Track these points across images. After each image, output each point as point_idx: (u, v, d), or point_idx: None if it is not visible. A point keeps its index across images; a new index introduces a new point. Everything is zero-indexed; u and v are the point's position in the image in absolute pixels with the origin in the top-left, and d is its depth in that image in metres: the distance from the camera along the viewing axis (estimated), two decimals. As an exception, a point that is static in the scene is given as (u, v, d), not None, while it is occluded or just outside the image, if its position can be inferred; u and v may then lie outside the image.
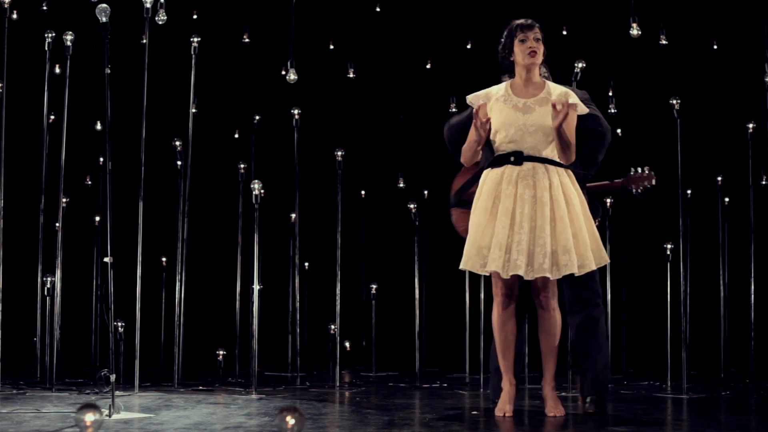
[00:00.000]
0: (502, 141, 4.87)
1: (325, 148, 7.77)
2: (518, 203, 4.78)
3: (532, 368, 6.60)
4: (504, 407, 4.87)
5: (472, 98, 5.01)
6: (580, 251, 4.77)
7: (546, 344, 4.88)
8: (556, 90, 4.92)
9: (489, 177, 4.90)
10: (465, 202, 5.25)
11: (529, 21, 4.94)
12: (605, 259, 4.89)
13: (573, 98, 4.88)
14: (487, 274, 4.85)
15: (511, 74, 5.03)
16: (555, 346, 4.87)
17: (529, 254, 4.72)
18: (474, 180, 5.11)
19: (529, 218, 4.75)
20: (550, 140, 4.83)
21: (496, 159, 4.90)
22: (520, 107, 4.88)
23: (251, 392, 6.05)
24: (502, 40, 4.99)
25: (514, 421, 4.73)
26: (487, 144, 4.98)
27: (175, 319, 6.73)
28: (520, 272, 4.72)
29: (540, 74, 5.00)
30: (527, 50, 4.89)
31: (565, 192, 4.83)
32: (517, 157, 4.84)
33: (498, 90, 4.97)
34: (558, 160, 4.86)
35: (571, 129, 4.86)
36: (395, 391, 6.32)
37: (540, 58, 4.92)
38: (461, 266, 4.86)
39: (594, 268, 4.83)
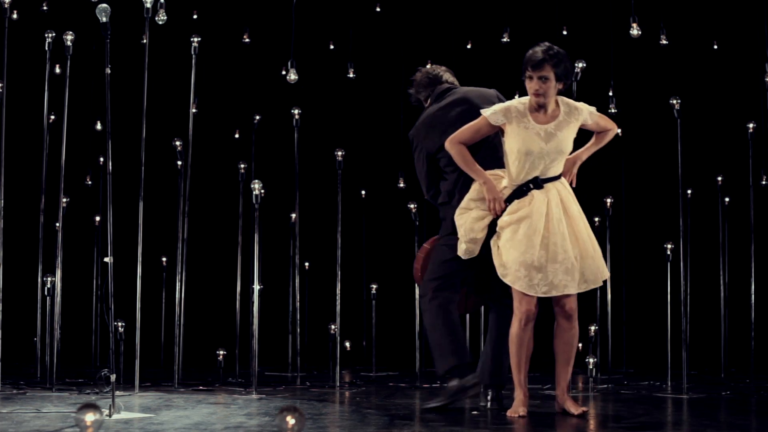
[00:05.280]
0: (518, 170, 4.90)
1: (325, 148, 7.77)
2: (560, 223, 4.86)
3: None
4: (518, 409, 4.90)
5: (490, 115, 4.97)
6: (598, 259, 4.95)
7: (567, 354, 4.97)
8: (574, 106, 4.95)
9: (520, 208, 4.90)
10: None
11: (539, 56, 4.85)
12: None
13: (585, 111, 4.97)
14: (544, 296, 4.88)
15: None
16: (573, 357, 4.99)
17: (581, 268, 4.88)
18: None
19: (568, 235, 4.86)
20: (562, 159, 4.95)
21: (516, 192, 4.93)
22: (542, 136, 4.88)
23: (251, 392, 6.05)
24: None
25: (525, 421, 4.74)
26: (476, 151, 5.04)
27: (175, 319, 6.73)
28: (577, 289, 4.88)
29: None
30: (532, 90, 4.89)
31: (572, 203, 4.96)
32: (536, 183, 4.91)
33: (517, 108, 4.93)
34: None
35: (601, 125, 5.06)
36: (395, 391, 6.32)
37: (544, 99, 4.88)
38: (521, 288, 4.85)
39: (607, 275, 5.04)
